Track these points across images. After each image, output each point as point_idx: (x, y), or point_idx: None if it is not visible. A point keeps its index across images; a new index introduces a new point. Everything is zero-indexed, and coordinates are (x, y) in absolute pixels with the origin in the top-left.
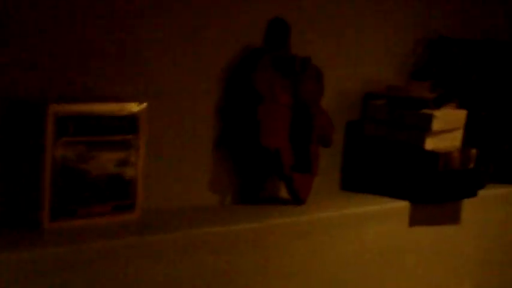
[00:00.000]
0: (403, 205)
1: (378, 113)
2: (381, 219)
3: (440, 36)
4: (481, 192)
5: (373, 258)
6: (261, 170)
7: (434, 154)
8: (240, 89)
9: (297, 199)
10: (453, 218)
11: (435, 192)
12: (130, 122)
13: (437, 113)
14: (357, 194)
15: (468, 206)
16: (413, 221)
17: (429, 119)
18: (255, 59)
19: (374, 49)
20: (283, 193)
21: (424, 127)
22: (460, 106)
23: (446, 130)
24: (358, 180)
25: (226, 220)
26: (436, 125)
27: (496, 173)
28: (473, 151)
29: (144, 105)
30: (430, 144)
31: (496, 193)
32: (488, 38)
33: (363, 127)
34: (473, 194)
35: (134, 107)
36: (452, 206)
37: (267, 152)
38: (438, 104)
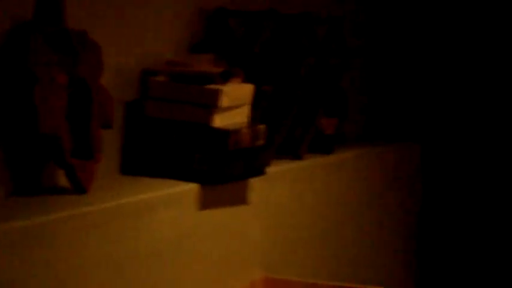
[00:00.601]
0: (191, 187)
1: (159, 90)
2: (171, 203)
3: (219, 8)
4: (267, 170)
5: (166, 246)
6: (38, 157)
7: (223, 132)
8: (9, 69)
9: (80, 188)
10: (242, 198)
11: (226, 172)
12: None
13: (225, 88)
14: (141, 178)
15: (255, 184)
16: (204, 204)
17: (216, 94)
18: (26, 35)
19: (150, 22)
20: (64, 182)
21: (211, 103)
22: (244, 80)
23: (234, 106)
24: (141, 164)
25: (5, 216)
26: (224, 101)
27: (279, 148)
28: (262, 127)
29: None
30: (218, 121)
31: (281, 169)
32: (271, 9)
33: (144, 106)
34: (262, 172)
35: None
36: (240, 185)
37: (45, 138)
38: (225, 79)
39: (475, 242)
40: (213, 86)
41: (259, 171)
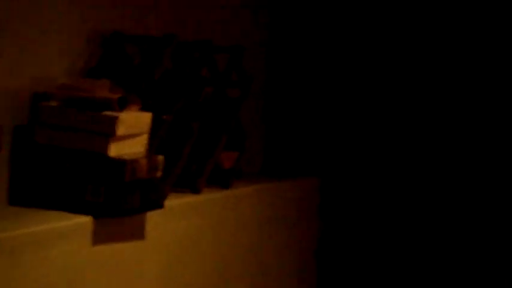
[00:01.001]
0: (85, 221)
1: (50, 115)
2: (62, 238)
3: (115, 32)
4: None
5: (55, 284)
6: None
7: (119, 162)
8: None
9: None
10: (139, 232)
11: (122, 205)
12: None
13: (122, 116)
14: (30, 210)
15: (152, 218)
16: (98, 239)
17: (113, 122)
18: None
19: (43, 43)
20: None
21: (107, 131)
22: (142, 108)
23: (131, 135)
24: (31, 194)
25: None
26: (120, 129)
27: (176, 181)
28: (161, 158)
29: None
30: (114, 150)
31: (179, 203)
32: (171, 34)
33: (34, 132)
34: (160, 206)
35: None
36: (137, 219)
37: None
38: (121, 106)
39: (374, 272)
40: (109, 113)
41: (157, 205)
